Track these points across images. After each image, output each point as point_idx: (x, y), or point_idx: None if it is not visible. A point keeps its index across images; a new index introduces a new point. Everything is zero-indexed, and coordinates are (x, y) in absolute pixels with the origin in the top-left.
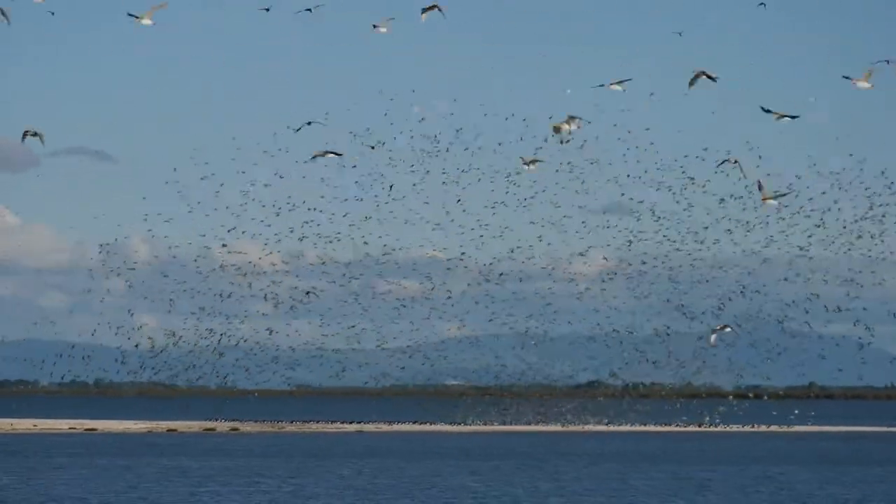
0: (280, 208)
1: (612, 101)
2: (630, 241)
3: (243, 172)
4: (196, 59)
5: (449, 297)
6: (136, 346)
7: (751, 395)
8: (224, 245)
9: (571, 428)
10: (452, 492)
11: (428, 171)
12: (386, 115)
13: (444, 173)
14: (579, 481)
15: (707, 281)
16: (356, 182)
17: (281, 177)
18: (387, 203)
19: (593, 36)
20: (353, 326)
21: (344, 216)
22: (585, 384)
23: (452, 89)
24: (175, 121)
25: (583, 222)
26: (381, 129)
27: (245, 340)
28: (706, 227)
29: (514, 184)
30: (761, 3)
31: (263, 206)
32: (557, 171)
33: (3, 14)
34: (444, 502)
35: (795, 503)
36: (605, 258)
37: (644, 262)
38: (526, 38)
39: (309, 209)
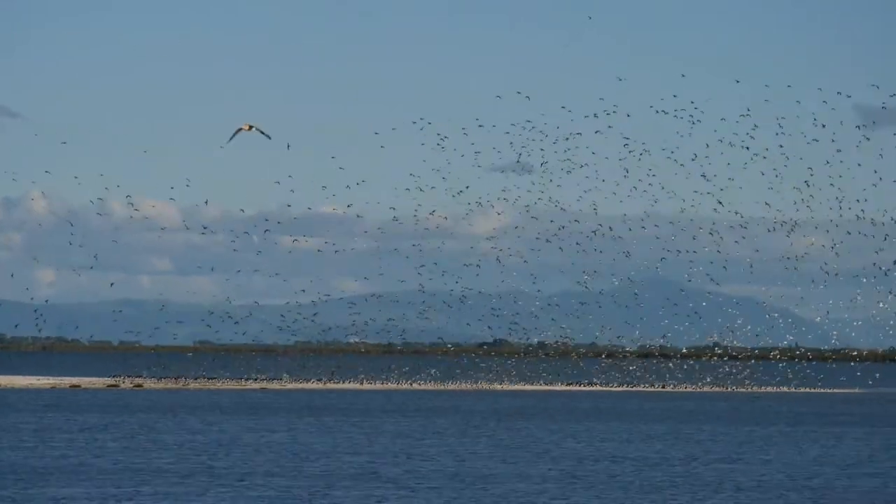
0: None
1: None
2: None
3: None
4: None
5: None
6: (32, 299)
7: (656, 354)
8: (128, 197)
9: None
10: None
11: None
12: None
13: None
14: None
15: (601, 235)
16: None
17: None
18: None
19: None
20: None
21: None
22: (491, 342)
23: None
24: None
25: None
26: None
27: (147, 296)
28: (603, 181)
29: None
30: None
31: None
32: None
33: None
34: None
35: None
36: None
37: (552, 221)
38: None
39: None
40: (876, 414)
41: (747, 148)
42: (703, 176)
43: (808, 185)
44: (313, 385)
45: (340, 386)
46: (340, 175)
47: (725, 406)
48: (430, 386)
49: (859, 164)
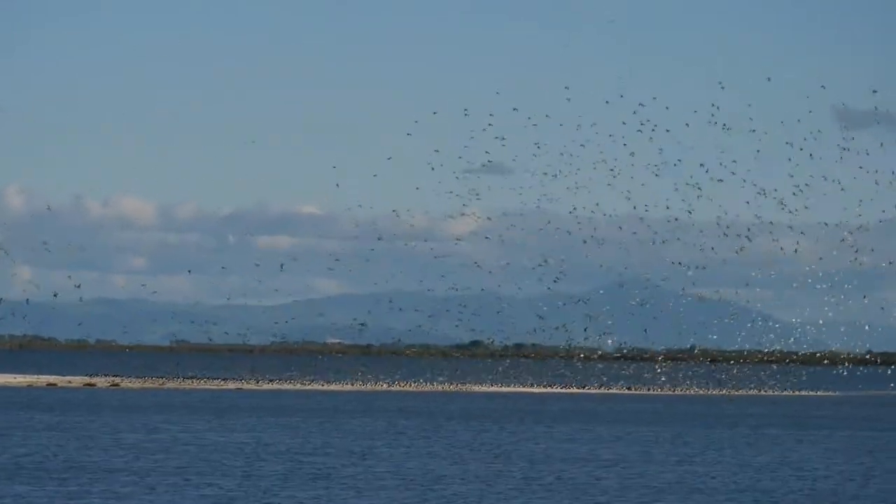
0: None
1: None
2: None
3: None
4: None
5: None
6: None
7: (627, 357)
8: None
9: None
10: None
11: None
12: None
13: None
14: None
15: (584, 242)
16: None
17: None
18: None
19: None
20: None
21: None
22: (468, 344)
23: None
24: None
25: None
26: None
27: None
28: (579, 187)
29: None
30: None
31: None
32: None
33: None
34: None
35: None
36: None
37: (530, 222)
38: None
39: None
40: (848, 416)
41: (722, 152)
42: (684, 178)
43: (791, 188)
44: (290, 386)
45: (315, 387)
46: (317, 175)
47: (693, 409)
48: (405, 387)
49: (839, 164)
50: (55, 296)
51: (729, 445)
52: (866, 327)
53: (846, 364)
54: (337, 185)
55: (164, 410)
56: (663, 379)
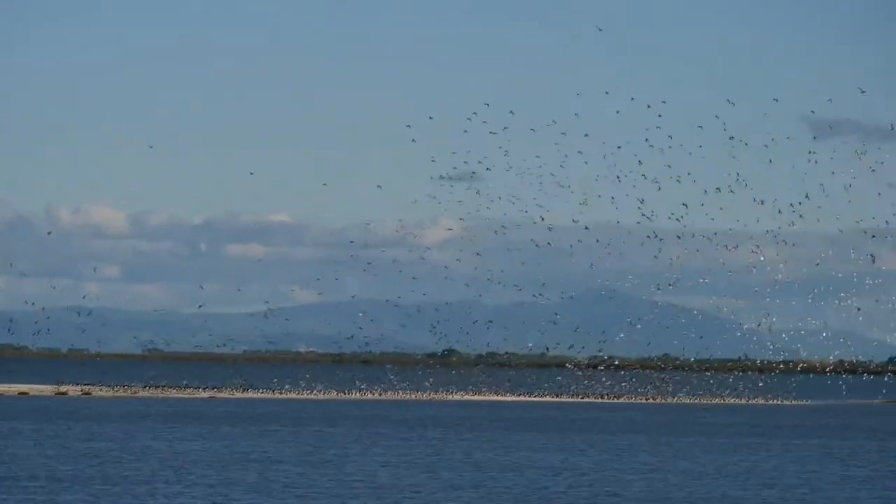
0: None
1: None
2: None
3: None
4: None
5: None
6: None
7: (601, 366)
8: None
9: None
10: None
11: None
12: None
13: None
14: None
15: (558, 251)
16: None
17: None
18: None
19: None
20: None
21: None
22: (440, 353)
23: None
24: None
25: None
26: None
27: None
28: (554, 196)
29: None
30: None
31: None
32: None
33: None
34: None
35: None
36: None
37: (499, 231)
38: None
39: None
40: (814, 426)
41: (695, 158)
42: (653, 186)
43: (757, 198)
44: (264, 395)
45: (289, 395)
46: (289, 184)
47: (656, 418)
48: (376, 396)
49: (806, 175)
50: (32, 304)
51: (703, 453)
52: (842, 339)
53: (821, 373)
54: (324, 183)
55: (129, 419)
56: (636, 387)
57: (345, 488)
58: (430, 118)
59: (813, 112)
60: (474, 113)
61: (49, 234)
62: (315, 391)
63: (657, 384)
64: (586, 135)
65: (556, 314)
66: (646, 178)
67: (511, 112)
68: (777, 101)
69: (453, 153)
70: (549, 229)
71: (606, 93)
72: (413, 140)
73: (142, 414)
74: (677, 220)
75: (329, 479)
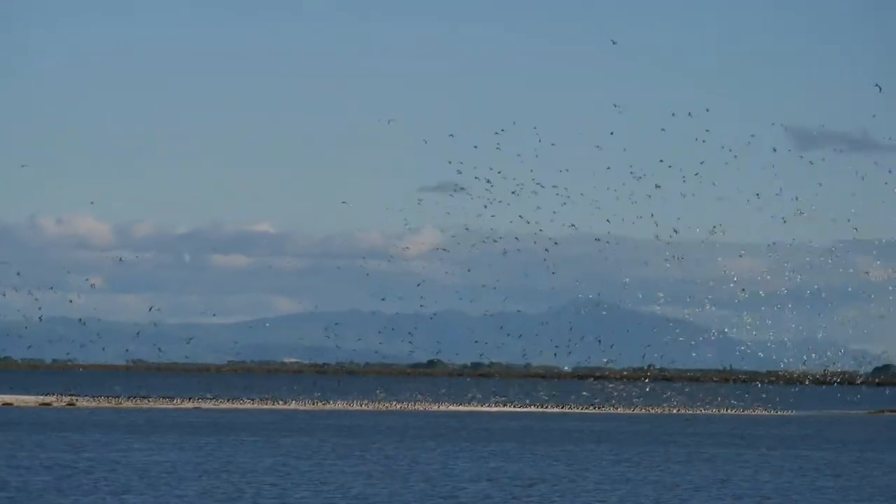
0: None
1: None
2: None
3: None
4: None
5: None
6: None
7: (592, 376)
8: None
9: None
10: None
11: None
12: None
13: None
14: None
15: (544, 261)
16: None
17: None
18: None
19: None
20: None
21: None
22: (425, 363)
23: None
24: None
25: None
26: None
27: (80, 314)
28: (538, 208)
29: None
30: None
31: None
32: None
33: None
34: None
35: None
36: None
37: (486, 241)
38: None
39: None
40: (791, 436)
41: (670, 168)
42: (635, 197)
43: (744, 206)
44: (249, 405)
45: (275, 406)
46: (274, 193)
47: (634, 428)
48: (361, 406)
49: (788, 187)
50: (19, 313)
51: (684, 463)
52: (828, 352)
53: (804, 383)
54: (296, 200)
55: (112, 430)
56: (619, 397)
57: (321, 499)
58: (390, 120)
59: (796, 122)
60: (460, 123)
61: (32, 244)
62: (295, 402)
63: (645, 395)
64: (560, 170)
65: (542, 324)
66: (637, 191)
67: (500, 130)
68: (777, 117)
69: (438, 164)
70: (535, 241)
71: (615, 105)
72: (398, 149)
73: (126, 424)
74: (669, 229)
75: (304, 489)
